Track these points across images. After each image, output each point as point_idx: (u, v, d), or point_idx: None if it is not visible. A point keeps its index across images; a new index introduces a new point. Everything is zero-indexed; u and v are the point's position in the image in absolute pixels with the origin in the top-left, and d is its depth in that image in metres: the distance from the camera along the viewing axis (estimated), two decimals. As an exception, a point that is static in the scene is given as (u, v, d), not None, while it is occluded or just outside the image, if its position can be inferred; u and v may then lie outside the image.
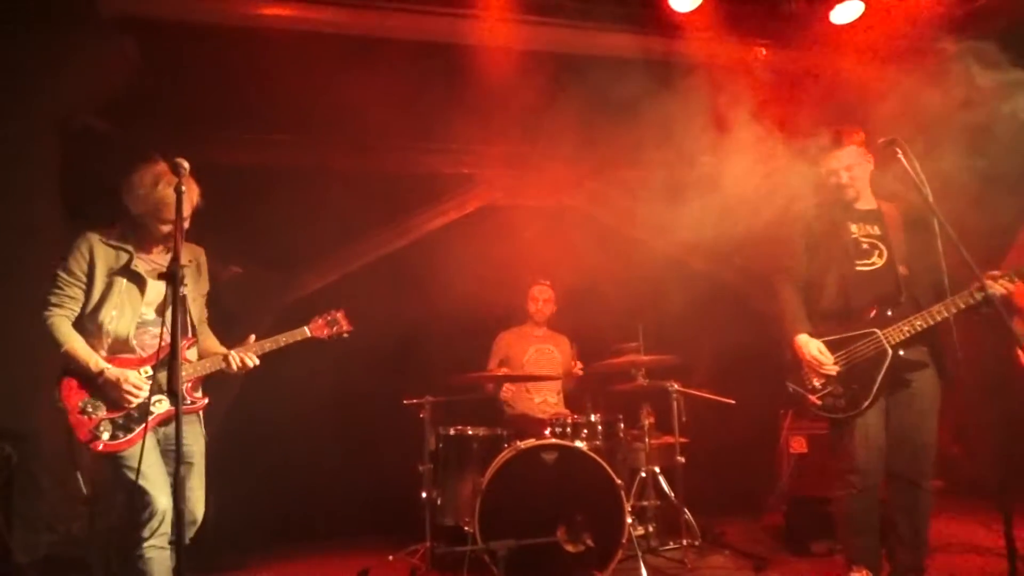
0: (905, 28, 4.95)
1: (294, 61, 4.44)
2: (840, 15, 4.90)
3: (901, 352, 3.20)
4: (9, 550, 4.13)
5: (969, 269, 2.81)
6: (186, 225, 3.04)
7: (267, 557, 4.62)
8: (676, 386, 4.30)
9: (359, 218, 5.50)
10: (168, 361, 2.94)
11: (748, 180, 5.30)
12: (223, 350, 3.14)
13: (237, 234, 5.10)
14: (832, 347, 3.30)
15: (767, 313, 5.01)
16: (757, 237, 5.31)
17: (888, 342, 3.21)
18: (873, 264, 3.35)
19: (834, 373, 3.27)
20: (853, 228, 3.41)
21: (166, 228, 2.94)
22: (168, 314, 2.89)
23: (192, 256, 3.16)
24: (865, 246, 3.37)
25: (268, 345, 3.14)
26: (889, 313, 3.24)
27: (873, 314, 3.26)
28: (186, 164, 2.62)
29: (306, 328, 3.26)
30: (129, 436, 2.84)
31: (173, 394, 2.31)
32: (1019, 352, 3.06)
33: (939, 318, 3.13)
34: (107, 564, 4.09)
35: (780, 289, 3.51)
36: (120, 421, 2.85)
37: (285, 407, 5.15)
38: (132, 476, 2.76)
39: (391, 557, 4.35)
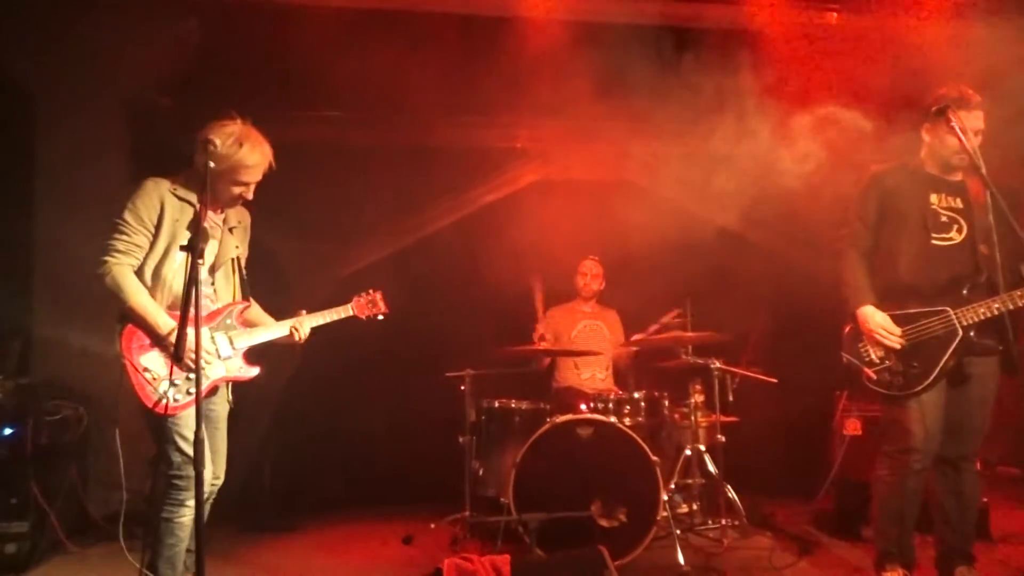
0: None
1: (350, 39, 4.50)
2: (912, -26, 4.60)
3: (972, 334, 3.00)
4: (84, 505, 4.46)
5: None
6: (251, 191, 2.98)
7: (315, 521, 4.79)
8: (718, 364, 4.20)
9: (413, 192, 5.57)
10: (228, 326, 2.98)
11: (809, 153, 5.08)
12: (270, 319, 3.16)
13: (296, 207, 5.26)
14: (898, 322, 3.10)
15: (828, 283, 4.83)
16: (820, 209, 5.11)
17: (960, 322, 3.00)
18: (951, 239, 3.12)
19: (898, 346, 3.06)
20: (933, 198, 3.16)
21: (238, 190, 2.89)
22: (220, 274, 2.92)
23: (240, 218, 3.11)
24: (944, 219, 3.13)
25: (317, 319, 3.18)
26: (964, 292, 3.04)
27: (947, 292, 3.06)
28: (218, 141, 2.67)
29: (350, 306, 3.32)
30: (189, 399, 2.76)
31: (178, 359, 2.35)
32: None
33: (1021, 303, 2.91)
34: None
35: (845, 255, 3.26)
36: (179, 382, 2.77)
37: (337, 378, 5.31)
38: (181, 440, 2.76)
39: (433, 525, 4.46)
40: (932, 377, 3.01)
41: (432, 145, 5.55)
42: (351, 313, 3.32)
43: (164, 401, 2.73)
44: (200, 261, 2.34)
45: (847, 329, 3.24)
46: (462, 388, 4.34)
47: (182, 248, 2.46)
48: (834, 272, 3.33)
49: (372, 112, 5.40)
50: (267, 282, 3.67)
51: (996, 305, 2.96)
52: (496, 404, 4.32)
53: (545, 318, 5.11)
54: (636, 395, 4.26)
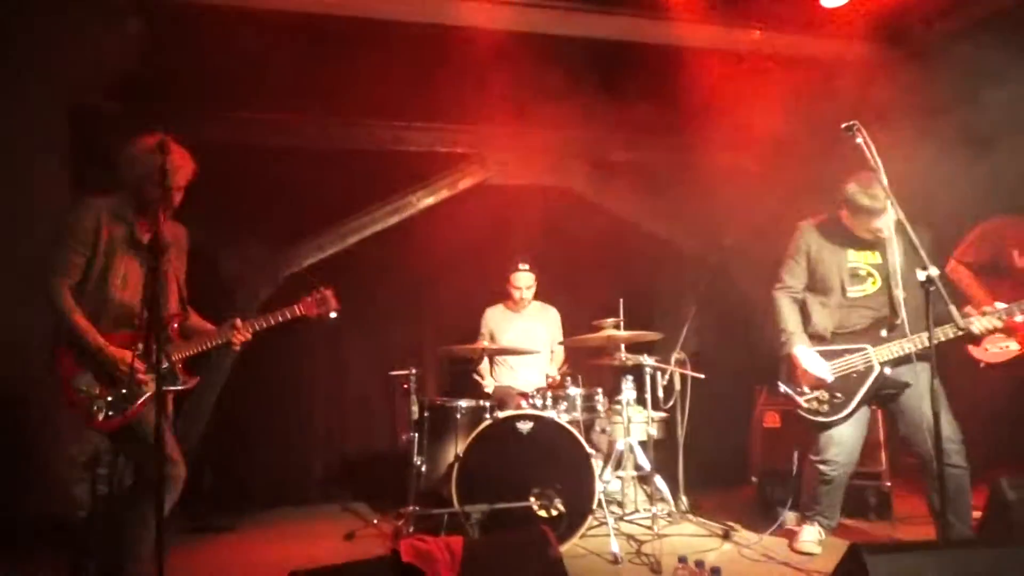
0: (895, 11, 4.99)
1: (295, 43, 4.54)
2: (830, -2, 4.91)
3: (887, 371, 3.46)
4: (13, 512, 4.36)
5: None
6: (180, 196, 3.07)
7: (257, 520, 4.82)
8: (650, 361, 4.43)
9: (355, 195, 5.63)
10: (165, 339, 3.00)
11: (740, 164, 5.38)
12: (211, 327, 3.23)
13: (237, 209, 5.27)
14: (825, 357, 3.60)
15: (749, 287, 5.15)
16: (748, 219, 5.42)
17: (877, 359, 3.47)
18: (864, 291, 3.59)
19: (825, 382, 3.55)
20: (851, 255, 3.64)
21: (168, 200, 2.92)
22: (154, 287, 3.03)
23: (175, 235, 3.20)
24: (862, 272, 3.61)
25: (261, 324, 3.24)
26: (883, 334, 3.49)
27: (867, 333, 3.53)
28: (168, 143, 2.73)
29: (297, 307, 3.35)
30: (120, 416, 2.93)
31: (174, 376, 2.42)
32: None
33: (927, 343, 3.16)
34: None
35: (780, 303, 3.77)
36: (112, 400, 2.92)
37: (279, 377, 5.34)
38: (137, 446, 2.94)
39: (376, 520, 4.56)
40: (851, 407, 3.52)
41: (374, 149, 5.63)
42: (299, 313, 3.34)
43: (99, 416, 2.91)
44: (169, 264, 2.39)
45: (784, 364, 3.70)
46: (406, 387, 4.44)
47: (140, 254, 2.55)
48: (771, 315, 3.82)
49: (316, 115, 5.45)
50: (207, 285, 3.71)
51: (907, 345, 3.41)
52: (439, 401, 4.45)
53: (484, 316, 5.24)
54: (572, 391, 4.44)
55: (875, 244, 3.60)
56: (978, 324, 3.26)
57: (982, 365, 4.21)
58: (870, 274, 3.59)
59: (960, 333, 3.21)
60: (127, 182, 3.01)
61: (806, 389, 3.61)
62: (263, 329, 3.26)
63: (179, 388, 3.11)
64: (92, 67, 4.61)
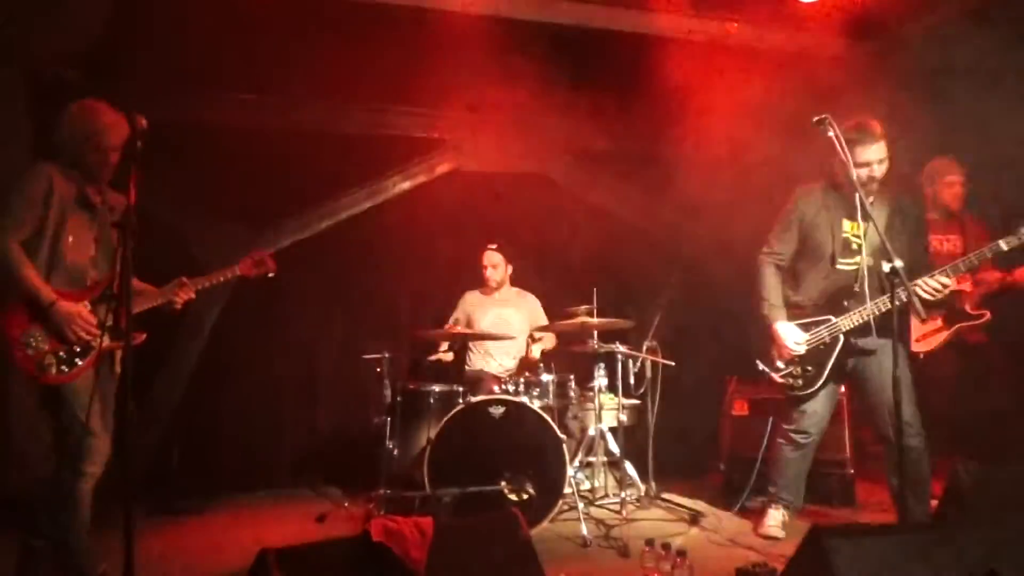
0: (871, 7, 5.04)
1: (269, 21, 4.48)
2: (807, -7, 4.95)
3: (853, 339, 3.50)
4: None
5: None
6: (117, 156, 3.08)
7: (227, 503, 4.80)
8: (622, 348, 4.48)
9: (331, 178, 5.59)
10: (109, 297, 3.03)
11: (713, 155, 5.43)
12: (151, 287, 3.24)
13: (211, 190, 5.21)
14: (800, 330, 3.64)
15: (723, 280, 5.21)
16: (722, 209, 5.47)
17: (841, 329, 3.51)
18: (854, 263, 3.58)
19: (797, 357, 3.61)
20: (846, 225, 3.60)
21: (103, 156, 3.03)
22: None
23: (118, 200, 3.18)
24: (854, 246, 3.58)
25: (203, 283, 3.28)
26: (845, 303, 3.53)
27: (832, 302, 3.57)
28: (144, 122, 2.68)
29: (236, 267, 3.39)
30: (74, 369, 2.91)
31: (119, 332, 2.41)
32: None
33: (884, 308, 3.35)
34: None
35: (763, 270, 3.76)
36: (63, 355, 2.91)
37: (250, 359, 5.31)
38: (75, 410, 2.89)
39: (347, 503, 4.57)
40: (823, 379, 3.58)
41: (352, 132, 5.59)
42: (238, 273, 3.39)
43: (51, 371, 2.88)
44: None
45: (760, 337, 3.73)
46: (378, 370, 4.44)
47: (113, 225, 2.54)
48: (752, 281, 3.80)
49: (293, 96, 5.40)
50: (180, 263, 3.66)
51: (866, 312, 3.45)
52: (412, 386, 4.45)
53: (460, 301, 5.24)
54: (545, 377, 4.47)
55: (866, 213, 3.37)
56: (930, 284, 3.26)
57: (921, 356, 4.23)
58: (860, 248, 3.54)
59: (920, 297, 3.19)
60: (66, 150, 3.06)
61: (780, 364, 3.67)
62: (205, 289, 3.32)
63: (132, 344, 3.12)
64: (55, 37, 4.51)
